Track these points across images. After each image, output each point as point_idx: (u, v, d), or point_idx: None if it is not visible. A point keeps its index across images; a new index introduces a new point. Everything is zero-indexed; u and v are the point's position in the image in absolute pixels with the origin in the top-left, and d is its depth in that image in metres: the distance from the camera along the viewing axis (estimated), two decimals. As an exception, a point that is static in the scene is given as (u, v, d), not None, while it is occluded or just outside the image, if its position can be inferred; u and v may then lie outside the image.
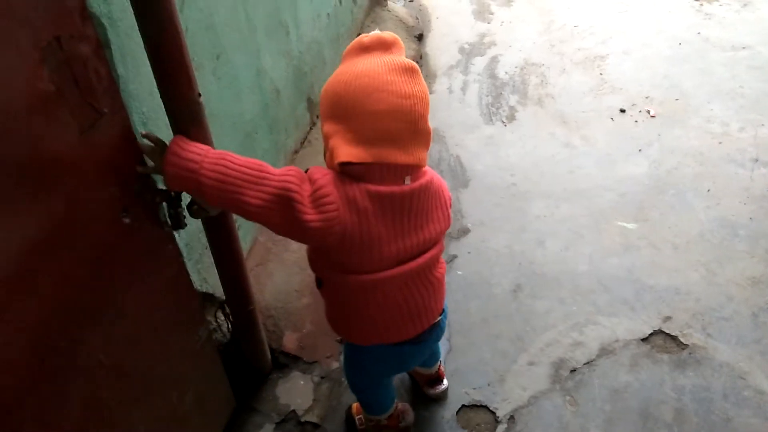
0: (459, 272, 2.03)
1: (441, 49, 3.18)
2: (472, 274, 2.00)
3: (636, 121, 2.57)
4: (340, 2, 2.45)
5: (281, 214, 0.99)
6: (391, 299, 1.12)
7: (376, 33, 1.05)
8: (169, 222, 1.17)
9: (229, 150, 1.04)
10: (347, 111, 0.99)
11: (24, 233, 0.81)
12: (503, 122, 2.66)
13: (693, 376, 1.66)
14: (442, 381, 1.64)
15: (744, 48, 2.96)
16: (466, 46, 3.18)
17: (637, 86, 2.76)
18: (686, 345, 1.74)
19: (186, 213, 1.17)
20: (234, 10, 1.52)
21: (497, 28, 3.30)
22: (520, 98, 2.79)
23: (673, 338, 1.76)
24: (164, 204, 1.15)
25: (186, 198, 1.15)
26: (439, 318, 1.24)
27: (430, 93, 2.87)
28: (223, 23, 1.46)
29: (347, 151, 0.98)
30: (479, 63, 3.05)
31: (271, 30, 1.79)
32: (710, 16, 3.22)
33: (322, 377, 1.68)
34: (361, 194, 0.99)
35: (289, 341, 1.70)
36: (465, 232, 2.16)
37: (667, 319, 1.81)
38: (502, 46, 3.15)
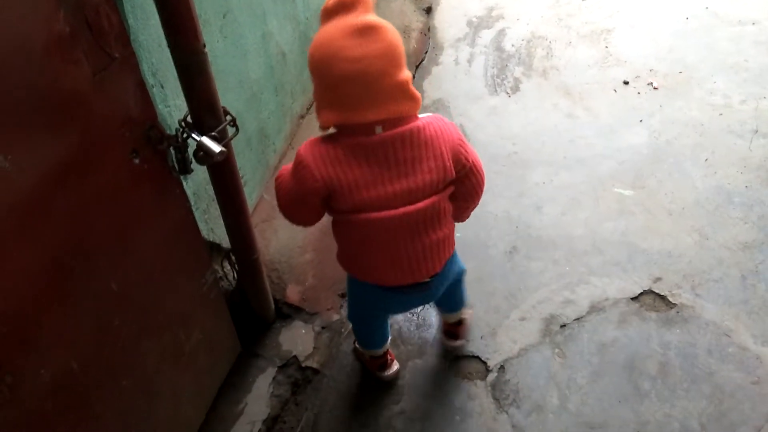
0: (457, 234, 2.08)
1: (449, 21, 3.21)
2: (469, 236, 2.06)
3: (639, 93, 2.60)
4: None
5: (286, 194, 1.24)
6: (379, 240, 1.20)
7: None
8: (176, 167, 1.25)
9: (235, 107, 1.11)
10: (315, 78, 1.14)
11: (40, 160, 0.89)
12: (507, 93, 2.71)
13: (679, 333, 1.72)
14: (457, 337, 1.68)
15: (752, 23, 2.96)
16: (474, 19, 3.20)
17: (642, 59, 2.78)
18: (674, 304, 1.79)
19: (192, 159, 1.25)
20: (241, -29, 1.59)
21: (505, 2, 3.31)
22: (525, 70, 2.83)
23: (662, 298, 1.82)
24: (171, 149, 1.23)
25: (192, 145, 1.23)
26: (429, 280, 1.28)
27: (437, 65, 2.91)
28: (231, -16, 1.53)
29: (322, 117, 1.15)
30: (486, 36, 3.08)
31: (278, -5, 1.85)
32: (720, -10, 3.22)
33: (323, 327, 1.76)
34: (333, 149, 1.13)
35: (292, 293, 1.78)
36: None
37: (658, 280, 1.87)
38: (509, 19, 3.18)
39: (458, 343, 1.70)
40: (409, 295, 1.32)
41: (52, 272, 0.94)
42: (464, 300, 1.63)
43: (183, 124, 1.23)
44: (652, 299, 1.82)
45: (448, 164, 1.16)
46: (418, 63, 2.90)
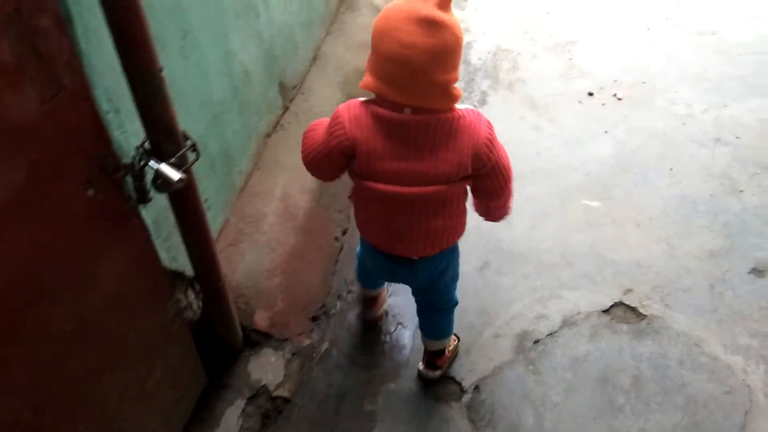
0: (429, 251, 2.07)
1: (415, 35, 3.22)
2: (441, 253, 2.04)
3: (603, 104, 2.64)
4: (312, -12, 2.48)
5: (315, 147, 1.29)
6: (379, 209, 1.28)
7: None
8: (134, 196, 1.20)
9: (197, 130, 1.08)
10: (372, 43, 1.16)
11: (-14, 196, 0.84)
12: (475, 106, 2.70)
13: (651, 344, 1.73)
14: (435, 369, 1.66)
15: (712, 33, 3.04)
16: (440, 32, 3.22)
17: (606, 70, 2.82)
18: (645, 315, 1.80)
19: (150, 187, 1.20)
20: (201, -8, 1.55)
21: (471, 15, 3.34)
22: (492, 83, 2.84)
23: (633, 309, 1.82)
24: (128, 178, 1.18)
25: (151, 173, 1.18)
26: (417, 259, 1.34)
27: (404, 79, 2.91)
28: (191, 3, 1.48)
29: (365, 78, 1.18)
30: (452, 49, 3.09)
31: (241, 12, 1.82)
32: (679, 2, 3.29)
33: (293, 354, 1.72)
34: (366, 114, 1.19)
35: (261, 319, 1.74)
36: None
37: (628, 291, 1.87)
38: (476, 32, 3.20)
39: (436, 374, 1.67)
40: (397, 267, 1.38)
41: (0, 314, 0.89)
42: (449, 331, 1.63)
43: (140, 150, 1.19)
44: (622, 311, 1.83)
45: (465, 160, 1.18)
46: (385, 77, 2.89)
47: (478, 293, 1.92)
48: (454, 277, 1.52)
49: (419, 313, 1.62)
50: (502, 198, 1.33)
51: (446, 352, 1.67)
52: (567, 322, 1.81)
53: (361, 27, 3.00)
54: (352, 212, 2.24)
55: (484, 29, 3.20)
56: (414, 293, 1.59)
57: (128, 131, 1.27)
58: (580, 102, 2.67)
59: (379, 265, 1.43)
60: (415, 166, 1.18)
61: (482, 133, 1.18)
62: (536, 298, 1.89)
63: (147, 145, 1.20)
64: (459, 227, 1.35)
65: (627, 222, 2.11)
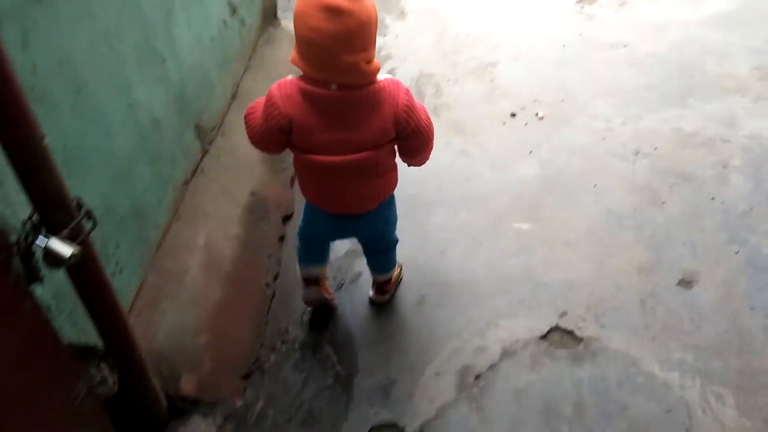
0: (364, 289, 2.02)
1: (338, 64, 3.18)
2: (376, 290, 2.00)
3: (526, 124, 2.67)
4: (225, 24, 2.40)
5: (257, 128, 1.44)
6: (320, 177, 1.47)
7: None
8: (23, 276, 1.09)
9: (101, 190, 0.99)
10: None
11: None
12: (402, 134, 2.69)
13: (589, 368, 1.73)
14: (384, 294, 1.93)
15: (623, 46, 3.14)
16: (363, 60, 3.20)
17: (526, 90, 2.86)
18: (581, 338, 1.80)
19: (41, 265, 1.10)
20: (94, 43, 1.45)
21: (393, 41, 3.33)
22: (417, 109, 2.83)
23: (570, 333, 1.82)
24: (17, 257, 1.07)
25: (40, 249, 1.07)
26: (359, 213, 1.56)
27: (329, 110, 2.86)
28: (82, 57, 1.39)
29: (292, 54, 1.32)
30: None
31: (144, 60, 1.72)
32: (591, 17, 3.39)
33: (226, 417, 1.62)
34: (297, 91, 1.33)
35: (187, 384, 1.63)
36: (368, 247, 2.15)
37: (563, 314, 1.87)
38: (397, 58, 3.19)
39: (386, 297, 1.94)
40: (345, 222, 1.60)
41: None
42: (393, 263, 1.89)
43: (27, 226, 1.08)
44: (559, 336, 1.82)
45: (388, 127, 1.35)
46: (309, 110, 2.84)
47: (417, 330, 1.88)
48: (394, 221, 1.76)
49: (367, 254, 1.85)
50: (423, 154, 1.53)
51: (392, 280, 1.93)
52: (507, 353, 1.78)
53: (281, 60, 2.93)
54: (282, 255, 2.16)
55: (405, 55, 3.20)
56: (360, 241, 1.84)
57: (14, 203, 1.16)
58: (504, 123, 2.69)
59: (329, 224, 1.62)
60: (345, 136, 1.35)
61: (401, 100, 1.34)
62: (475, 329, 1.86)
63: (35, 218, 1.10)
64: (392, 180, 1.58)
65: (557, 242, 2.13)
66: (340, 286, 2.06)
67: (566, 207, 2.25)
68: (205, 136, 2.22)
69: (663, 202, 2.23)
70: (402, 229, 2.16)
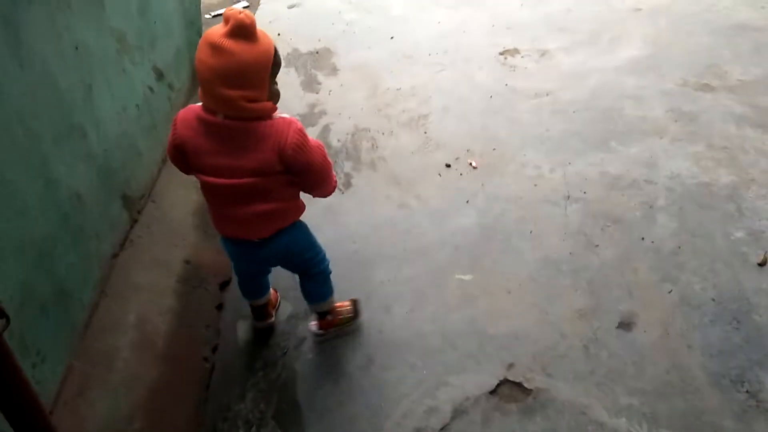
0: (309, 356, 1.96)
1: (272, 122, 3.17)
2: (321, 354, 1.94)
3: (461, 174, 2.72)
4: (152, 90, 2.35)
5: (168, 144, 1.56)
6: (214, 199, 1.57)
7: (233, 9, 1.34)
8: None
9: (17, 277, 0.91)
10: None
11: None
12: (340, 190, 2.68)
13: (540, 421, 1.72)
14: (323, 328, 1.97)
15: (547, 94, 3.28)
16: (298, 117, 3.18)
17: (459, 140, 2.93)
18: (530, 390, 1.80)
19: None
20: (6, 125, 1.37)
21: (326, 97, 3.36)
22: (355, 164, 2.84)
23: (518, 385, 1.82)
24: None
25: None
26: (259, 241, 1.62)
27: (265, 169, 2.82)
28: (-10, 139, 1.31)
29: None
30: (312, 133, 3.07)
31: (62, 136, 1.65)
32: (514, 67, 3.55)
33: None
34: (194, 116, 1.45)
35: (121, 478, 1.50)
36: (309, 312, 2.10)
37: (511, 366, 1.87)
38: (332, 114, 3.22)
39: (324, 332, 1.98)
40: (247, 250, 1.68)
41: None
42: (323, 294, 1.91)
43: (-74, 331, 0.98)
44: (509, 389, 1.81)
45: (272, 160, 1.44)
46: (244, 170, 2.79)
47: (365, 394, 1.83)
48: (308, 248, 1.78)
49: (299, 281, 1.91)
50: (320, 190, 1.64)
51: (329, 316, 1.96)
52: (458, 411, 1.75)
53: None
54: (221, 324, 2.08)
55: (339, 110, 3.23)
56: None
57: None
58: (439, 174, 2.73)
59: (235, 250, 1.72)
60: (231, 162, 1.44)
61: (289, 138, 1.43)
62: (424, 389, 1.82)
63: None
64: (290, 211, 1.64)
65: (499, 291, 2.14)
66: (284, 353, 1.99)
67: (505, 255, 2.28)
68: (134, 205, 2.13)
69: (596, 246, 2.30)
70: (344, 288, 2.14)
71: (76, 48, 1.72)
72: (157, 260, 2.08)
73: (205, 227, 2.34)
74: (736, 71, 3.35)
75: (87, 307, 1.76)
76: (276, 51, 1.41)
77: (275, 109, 1.46)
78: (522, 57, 3.62)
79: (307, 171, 1.51)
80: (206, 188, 1.54)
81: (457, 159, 2.81)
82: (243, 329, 2.08)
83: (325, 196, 1.70)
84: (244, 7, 4.34)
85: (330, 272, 1.89)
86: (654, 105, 3.10)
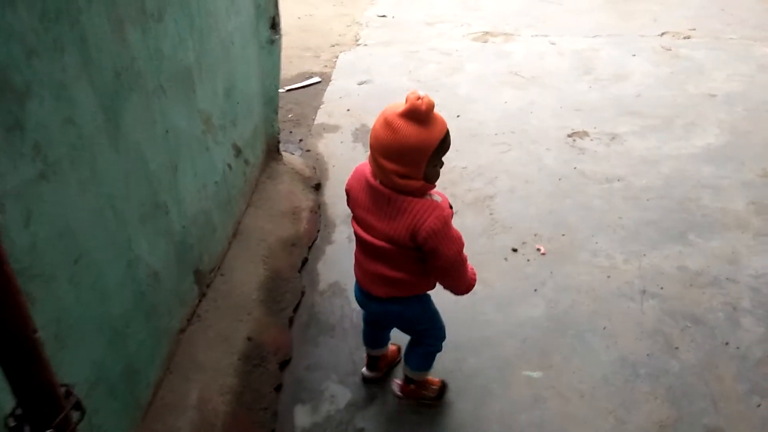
0: None
1: (339, 197, 3.21)
2: (381, 451, 1.86)
3: (528, 260, 2.65)
4: (230, 167, 2.43)
5: None
6: (357, 246, 1.71)
7: (414, 93, 1.43)
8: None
9: (92, 357, 0.92)
10: None
11: None
12: (403, 270, 2.65)
13: None
14: (403, 391, 2.02)
15: (618, 180, 3.21)
16: (363, 192, 3.24)
17: (526, 224, 2.88)
18: None
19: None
20: (98, 209, 1.43)
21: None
22: (418, 243, 2.82)
23: (594, 505, 1.67)
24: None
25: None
26: (375, 297, 1.71)
27: (330, 243, 2.84)
28: (84, 225, 1.36)
29: None
30: (376, 209, 3.09)
31: (147, 215, 1.71)
32: (583, 150, 3.50)
33: None
34: (363, 172, 1.58)
35: None
36: (371, 399, 2.03)
37: (585, 482, 1.73)
38: (397, 190, 3.24)
39: (397, 394, 2.03)
40: (367, 302, 1.78)
41: None
42: (419, 365, 1.93)
43: (9, 422, 0.99)
44: (583, 508, 1.67)
45: (404, 234, 1.51)
46: (310, 244, 2.82)
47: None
48: (423, 321, 1.83)
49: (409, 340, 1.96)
50: (450, 280, 1.65)
51: (414, 386, 1.98)
52: None
53: (282, 195, 2.97)
54: (279, 407, 2.04)
55: (405, 187, 3.25)
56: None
57: (-2, 393, 1.08)
58: (505, 259, 2.67)
59: (359, 297, 1.81)
60: (376, 222, 1.56)
61: (427, 222, 1.49)
62: (489, 500, 1.70)
63: (18, 412, 1.01)
64: (413, 285, 1.67)
65: (571, 393, 2.02)
66: (340, 444, 1.92)
67: (578, 352, 2.17)
68: (204, 279, 2.17)
69: (676, 348, 2.16)
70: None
71: (167, 131, 1.81)
72: (221, 336, 2.08)
73: (270, 302, 2.35)
74: (823, 163, 3.19)
75: (152, 385, 1.76)
76: (445, 137, 1.48)
77: (429, 188, 1.53)
78: (591, 140, 3.58)
79: (433, 256, 1.55)
80: (355, 235, 1.67)
81: (524, 243, 2.75)
82: (301, 414, 2.03)
83: (456, 293, 1.70)
84: (316, 83, 4.54)
85: (439, 350, 1.92)
86: (734, 196, 2.97)
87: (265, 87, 2.93)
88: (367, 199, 1.57)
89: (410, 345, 1.93)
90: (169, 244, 1.86)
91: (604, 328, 2.26)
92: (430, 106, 1.42)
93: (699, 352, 2.14)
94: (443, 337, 1.90)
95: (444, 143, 1.49)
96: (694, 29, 5.19)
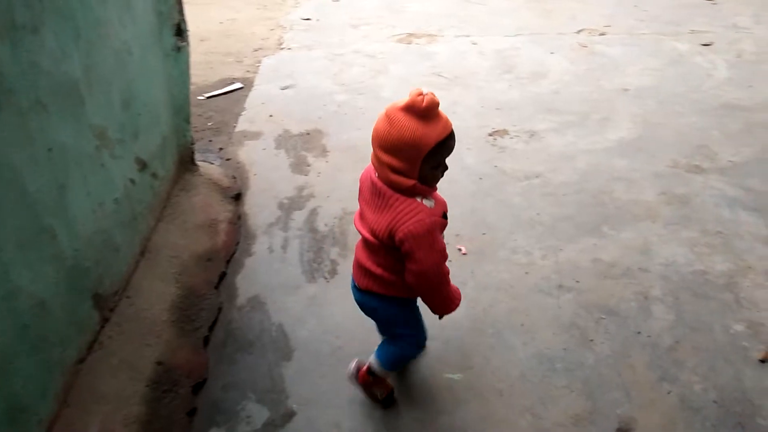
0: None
1: (260, 206, 3.12)
2: (298, 470, 1.80)
3: (450, 261, 2.62)
4: (133, 182, 2.31)
5: None
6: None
7: (417, 89, 1.42)
8: None
9: None
10: None
11: None
12: (325, 278, 2.60)
13: None
14: (356, 377, 1.97)
15: (536, 176, 3.26)
16: (285, 201, 3.16)
17: (449, 225, 2.87)
18: None
19: None
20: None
21: (315, 180, 3.34)
22: (341, 250, 2.77)
23: (510, 506, 1.67)
24: None
25: None
26: (358, 286, 1.76)
27: (249, 255, 2.75)
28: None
29: None
30: (299, 217, 3.02)
31: (28, 241, 1.59)
32: (504, 149, 3.55)
33: None
34: (370, 167, 1.60)
35: None
36: (290, 416, 1.97)
37: (502, 483, 1.73)
38: (320, 197, 3.18)
39: (353, 380, 1.97)
40: (353, 287, 1.82)
41: None
42: (384, 359, 1.88)
43: None
44: None
45: (384, 232, 1.53)
46: (228, 257, 2.72)
47: None
48: (399, 324, 1.83)
49: None
50: (423, 291, 1.64)
51: (372, 379, 1.93)
52: None
53: (198, 207, 2.86)
54: (192, 433, 1.95)
55: (328, 193, 3.20)
56: None
57: None
58: (428, 261, 2.66)
59: (353, 284, 1.83)
60: (368, 213, 1.60)
61: (407, 223, 1.49)
62: None
63: None
64: (392, 284, 1.67)
65: (490, 393, 2.02)
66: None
67: (496, 351, 2.18)
68: (106, 303, 2.05)
69: (591, 340, 2.20)
70: (325, 391, 2.03)
71: (50, 150, 1.69)
72: (126, 362, 1.97)
73: (183, 322, 2.25)
74: (727, 152, 3.35)
75: (45, 422, 1.64)
76: (446, 139, 1.46)
77: (422, 190, 1.52)
78: (511, 138, 3.63)
79: (412, 261, 1.53)
80: (354, 221, 1.72)
81: (446, 244, 2.73)
82: (216, 437, 1.95)
83: (433, 309, 1.70)
84: (238, 89, 4.42)
85: (413, 357, 1.99)
86: (645, 187, 3.07)
87: (173, 96, 2.81)
88: (366, 191, 1.60)
89: (388, 340, 1.92)
90: (59, 270, 1.74)
91: (522, 325, 2.28)
92: (431, 103, 1.41)
93: (613, 343, 2.19)
94: (420, 346, 1.92)
95: (444, 145, 1.47)
96: (610, 26, 5.37)
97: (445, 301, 1.68)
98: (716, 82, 4.20)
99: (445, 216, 1.62)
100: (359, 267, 1.72)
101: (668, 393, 1.99)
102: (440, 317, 1.75)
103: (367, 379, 1.95)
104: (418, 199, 1.52)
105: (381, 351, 1.91)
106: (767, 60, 4.59)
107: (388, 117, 1.44)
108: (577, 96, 4.07)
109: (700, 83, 4.18)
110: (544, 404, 1.97)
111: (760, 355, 2.11)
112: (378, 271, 1.65)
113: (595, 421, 1.90)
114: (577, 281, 2.48)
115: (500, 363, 2.13)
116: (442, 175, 1.58)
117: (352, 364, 1.98)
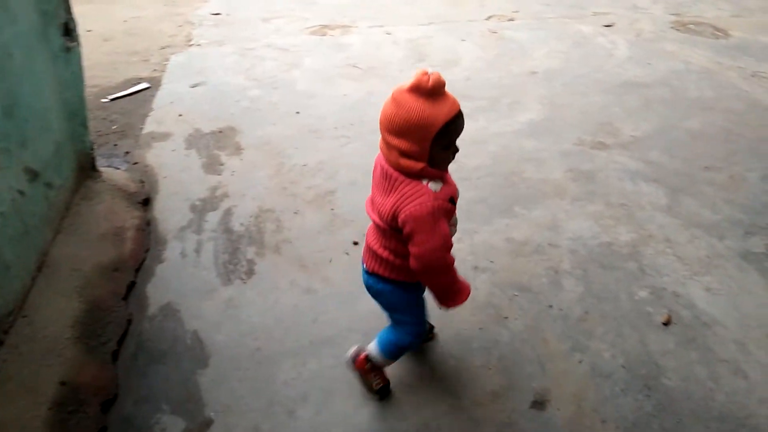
0: (203, 480, 1.76)
1: (171, 210, 3.00)
2: (216, 479, 1.74)
3: (369, 252, 2.63)
4: (22, 194, 2.16)
5: None
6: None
7: (422, 70, 1.41)
8: None
9: None
10: None
11: None
12: (242, 279, 2.54)
13: None
14: (353, 363, 1.97)
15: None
16: (198, 202, 3.05)
17: (365, 216, 2.86)
18: (444, 493, 1.67)
19: None
20: None
21: (229, 179, 3.24)
22: (258, 249, 2.71)
23: (432, 489, 1.69)
24: None
25: None
26: (366, 271, 1.77)
27: (161, 262, 2.64)
28: None
29: None
30: (213, 218, 2.93)
31: None
32: (420, 136, 3.58)
33: None
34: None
35: None
36: (207, 425, 1.91)
37: (423, 467, 1.74)
38: (235, 196, 3.09)
39: (349, 365, 1.98)
40: (363, 270, 1.80)
41: None
42: (383, 346, 1.87)
43: None
44: (422, 494, 1.68)
45: (388, 213, 1.53)
46: (137, 266, 2.59)
47: None
48: (399, 310, 1.82)
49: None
50: (426, 277, 1.60)
51: (370, 366, 1.93)
52: None
53: (101, 216, 2.71)
54: (103, 453, 1.85)
55: (243, 191, 3.11)
56: None
57: None
58: (347, 253, 2.65)
59: (362, 266, 1.82)
60: (376, 196, 1.61)
61: (411, 205, 1.47)
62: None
63: None
64: (394, 267, 1.67)
65: (411, 379, 2.03)
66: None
67: (415, 338, 2.19)
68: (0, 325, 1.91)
69: (506, 318, 2.25)
70: (243, 396, 1.98)
71: None
72: (24, 386, 1.84)
73: (88, 338, 2.13)
74: (628, 128, 3.52)
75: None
76: (454, 118, 1.43)
77: (431, 173, 1.47)
78: (426, 125, 3.65)
79: (413, 244, 1.50)
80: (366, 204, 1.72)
81: (364, 235, 2.73)
82: (130, 455, 1.86)
83: (436, 298, 1.65)
84: (145, 89, 4.23)
85: (411, 348, 1.95)
86: (553, 166, 3.17)
87: (65, 100, 2.65)
88: (377, 174, 1.59)
89: (389, 327, 1.89)
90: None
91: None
92: (437, 82, 1.38)
93: (526, 319, 2.25)
94: (419, 336, 1.85)
95: (453, 124, 1.43)
96: (518, 11, 5.53)
97: (448, 291, 1.63)
98: (617, 61, 4.40)
99: (452, 202, 1.55)
100: (368, 249, 1.73)
101: (579, 362, 2.07)
102: (447, 309, 1.70)
103: (364, 366, 1.94)
104: (424, 182, 1.48)
105: (382, 337, 1.90)
106: (664, 38, 4.85)
107: (395, 99, 1.43)
108: (487, 81, 4.16)
109: (603, 63, 4.37)
110: (463, 384, 2.00)
111: (662, 318, 2.23)
112: (384, 254, 1.66)
113: (512, 396, 1.95)
114: (492, 261, 2.54)
115: (420, 348, 2.15)
116: (453, 157, 1.53)
117: (352, 350, 1.98)
